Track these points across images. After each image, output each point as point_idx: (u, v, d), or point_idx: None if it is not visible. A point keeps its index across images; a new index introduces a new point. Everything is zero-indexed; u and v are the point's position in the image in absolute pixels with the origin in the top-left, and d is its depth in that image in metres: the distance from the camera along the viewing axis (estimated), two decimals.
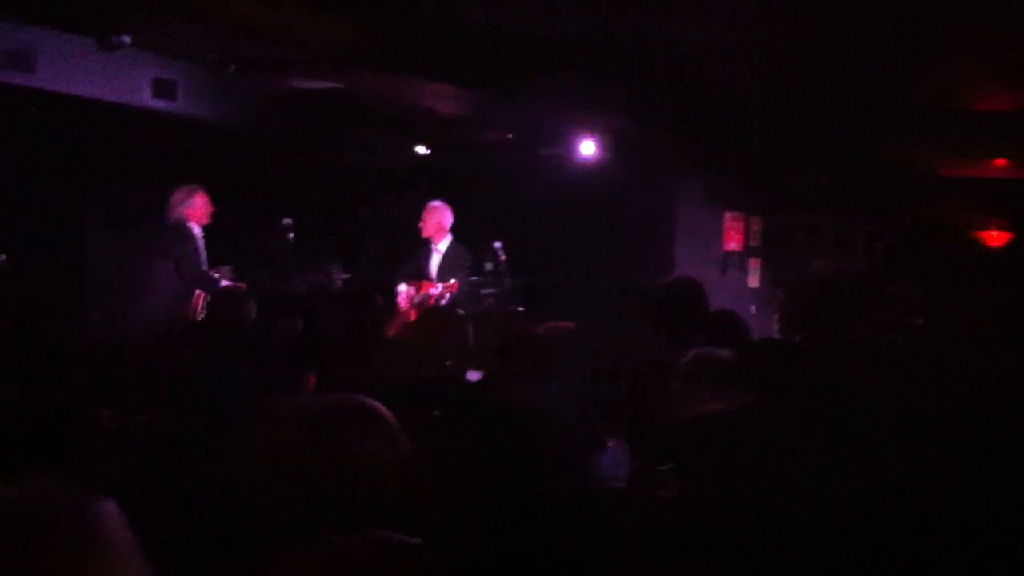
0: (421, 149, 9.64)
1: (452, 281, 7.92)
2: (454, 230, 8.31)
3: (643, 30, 6.37)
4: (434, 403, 3.22)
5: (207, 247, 7.50)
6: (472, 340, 4.21)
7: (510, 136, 9.42)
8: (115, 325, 6.92)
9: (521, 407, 3.39)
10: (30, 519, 1.20)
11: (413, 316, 7.93)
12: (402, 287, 8.20)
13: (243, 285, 7.08)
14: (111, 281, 7.84)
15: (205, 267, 7.44)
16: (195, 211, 7.50)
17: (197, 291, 7.27)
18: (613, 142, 8.62)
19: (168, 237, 7.49)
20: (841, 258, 10.10)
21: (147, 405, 3.26)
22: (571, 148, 8.69)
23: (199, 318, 7.15)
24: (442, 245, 8.25)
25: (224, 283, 7.21)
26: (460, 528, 2.42)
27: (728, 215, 10.18)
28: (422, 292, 8.03)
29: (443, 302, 7.82)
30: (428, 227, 8.25)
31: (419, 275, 8.25)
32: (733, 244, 10.24)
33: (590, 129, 8.45)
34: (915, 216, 11.62)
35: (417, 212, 8.39)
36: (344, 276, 8.64)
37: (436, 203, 8.32)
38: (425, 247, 8.33)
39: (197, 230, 7.51)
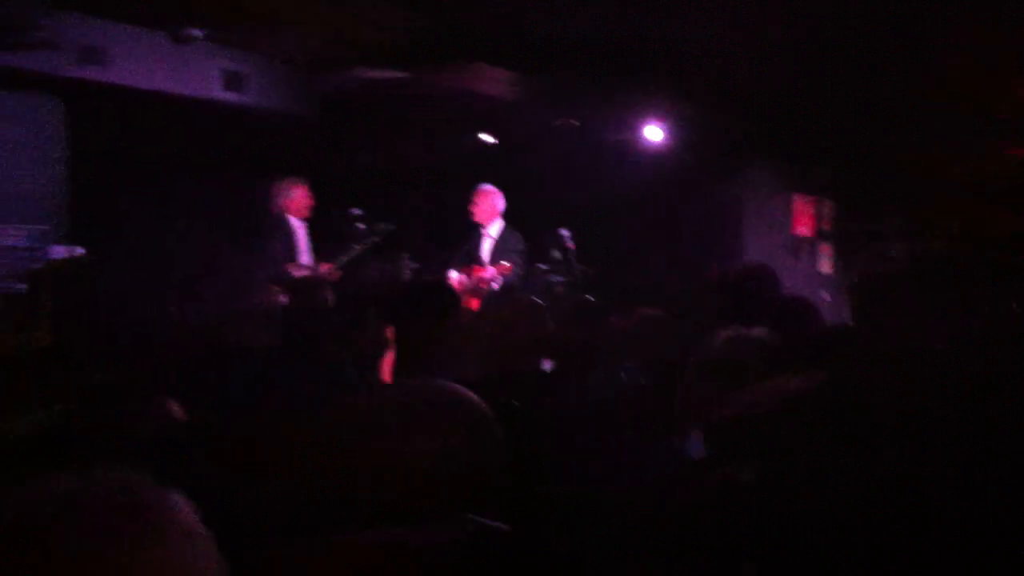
0: (487, 137, 9.62)
1: (505, 263, 7.76)
2: (519, 218, 8.24)
3: (703, 15, 6.31)
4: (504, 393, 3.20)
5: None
6: (550, 329, 4.19)
7: (575, 123, 9.37)
8: (192, 314, 7.02)
9: (530, 404, 3.34)
10: (96, 511, 1.19)
11: (466, 301, 7.87)
12: (453, 273, 8.04)
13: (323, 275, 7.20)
14: (188, 271, 7.94)
15: (304, 258, 7.58)
16: (293, 203, 7.64)
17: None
18: (678, 126, 8.54)
19: (262, 227, 7.66)
20: (917, 243, 9.89)
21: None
22: (636, 134, 8.62)
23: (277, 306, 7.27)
24: (493, 230, 8.08)
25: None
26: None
27: (798, 199, 10.01)
28: (474, 277, 7.91)
29: (495, 285, 7.72)
30: (480, 211, 8.09)
31: (470, 260, 8.07)
32: (803, 229, 10.06)
33: (655, 114, 8.37)
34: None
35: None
36: (414, 265, 8.65)
37: (487, 186, 8.17)
38: (475, 232, 8.16)
39: (295, 222, 7.65)
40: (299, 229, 7.70)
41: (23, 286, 6.59)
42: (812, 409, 2.22)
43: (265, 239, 7.61)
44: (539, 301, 4.33)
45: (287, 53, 7.37)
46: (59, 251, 7.11)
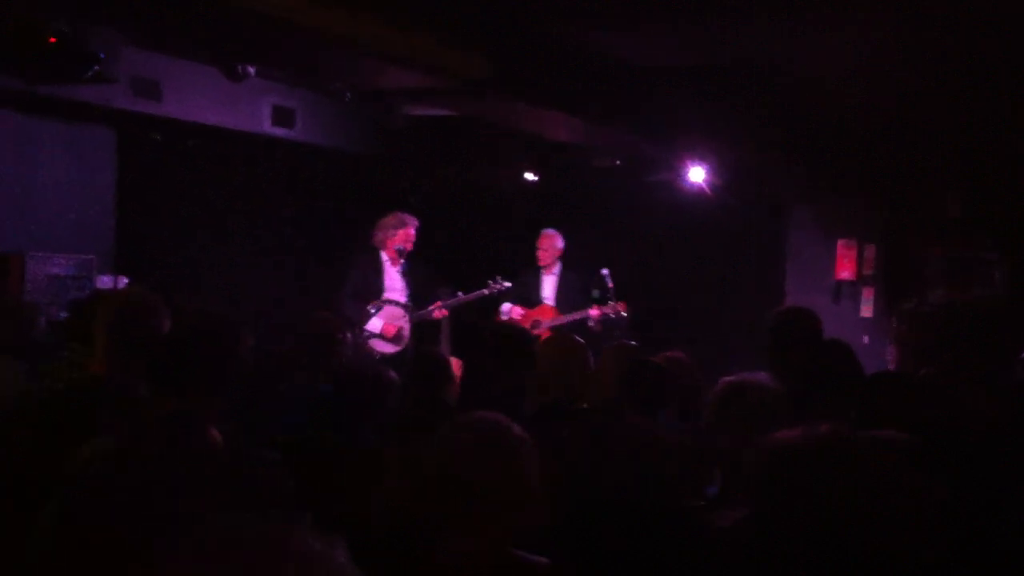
0: (530, 176, 9.68)
1: (621, 303, 7.93)
2: (567, 257, 8.44)
3: (757, 54, 6.31)
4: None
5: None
6: (591, 368, 4.19)
7: (617, 163, 9.39)
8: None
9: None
10: (264, 557, 1.19)
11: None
12: (507, 307, 8.35)
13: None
14: (238, 303, 7.97)
15: (395, 295, 7.66)
16: (385, 237, 7.69)
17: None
18: (723, 168, 8.53)
19: (349, 258, 7.78)
20: (960, 288, 9.77)
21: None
22: (679, 174, 8.62)
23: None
24: (556, 270, 8.45)
25: (373, 324, 7.51)
26: None
27: (841, 242, 9.94)
28: (567, 317, 8.04)
29: (593, 326, 7.91)
30: (548, 254, 8.41)
31: (527, 300, 8.35)
32: (846, 272, 9.98)
33: (699, 155, 8.37)
34: None
35: (522, 238, 8.47)
36: (452, 298, 8.68)
37: (551, 230, 8.50)
38: (532, 273, 8.44)
39: (385, 257, 7.72)
40: (389, 265, 7.73)
41: (66, 315, 6.65)
42: (793, 463, 2.19)
43: (348, 269, 7.68)
44: (581, 340, 4.33)
45: (337, 89, 7.45)
46: (105, 281, 7.21)
